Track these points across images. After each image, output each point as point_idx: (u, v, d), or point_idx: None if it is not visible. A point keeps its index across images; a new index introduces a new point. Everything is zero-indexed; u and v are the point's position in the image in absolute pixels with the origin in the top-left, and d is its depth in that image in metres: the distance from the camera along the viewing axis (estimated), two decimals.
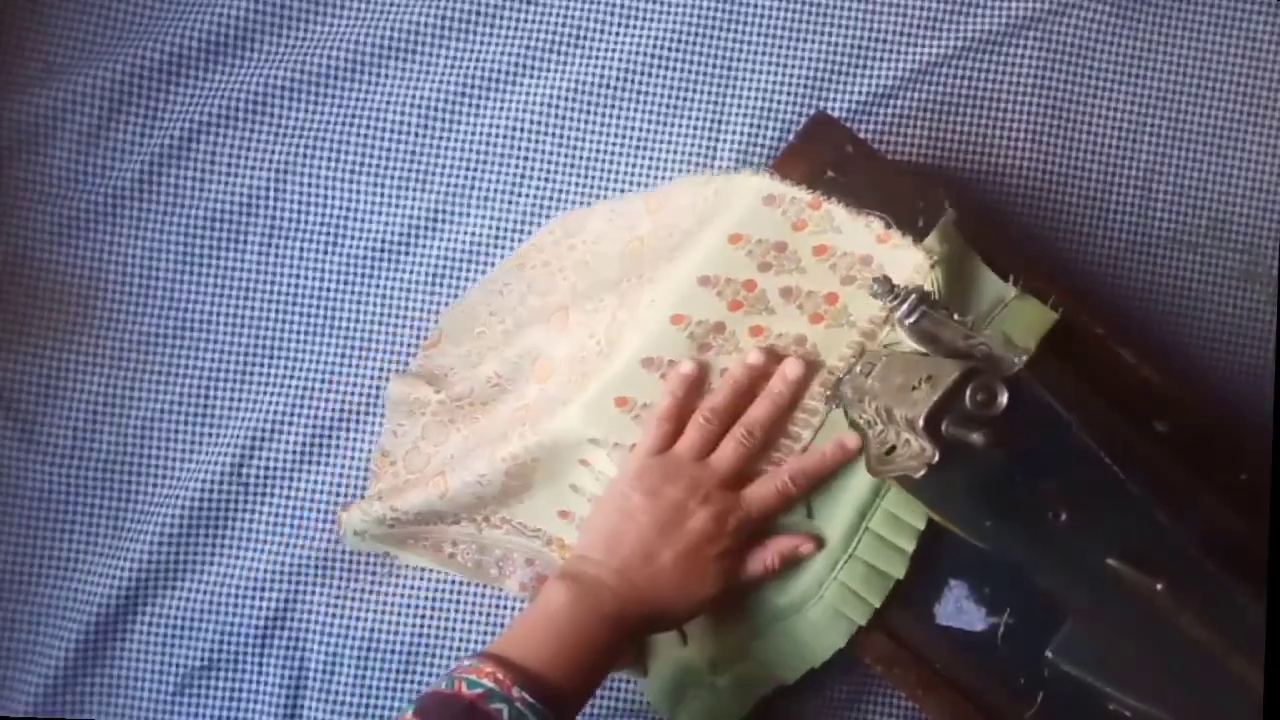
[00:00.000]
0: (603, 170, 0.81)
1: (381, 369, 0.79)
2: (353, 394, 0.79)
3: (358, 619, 0.78)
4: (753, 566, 0.66)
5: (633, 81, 0.81)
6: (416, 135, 0.80)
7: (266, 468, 0.79)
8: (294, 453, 0.79)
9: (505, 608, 0.78)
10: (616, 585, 0.62)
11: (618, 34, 0.81)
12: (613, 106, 0.81)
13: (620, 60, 0.81)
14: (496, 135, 0.81)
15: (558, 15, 0.81)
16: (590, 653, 0.60)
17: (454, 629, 0.78)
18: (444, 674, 0.59)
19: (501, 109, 0.81)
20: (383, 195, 0.80)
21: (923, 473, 0.53)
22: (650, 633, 0.65)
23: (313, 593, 0.78)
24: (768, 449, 0.68)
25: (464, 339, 0.79)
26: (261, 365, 0.79)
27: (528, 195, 0.80)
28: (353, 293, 0.80)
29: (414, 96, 0.80)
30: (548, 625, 0.60)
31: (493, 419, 0.74)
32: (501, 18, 0.81)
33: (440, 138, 0.81)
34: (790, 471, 0.66)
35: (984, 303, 0.68)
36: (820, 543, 0.66)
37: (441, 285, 0.80)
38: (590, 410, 0.68)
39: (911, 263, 0.67)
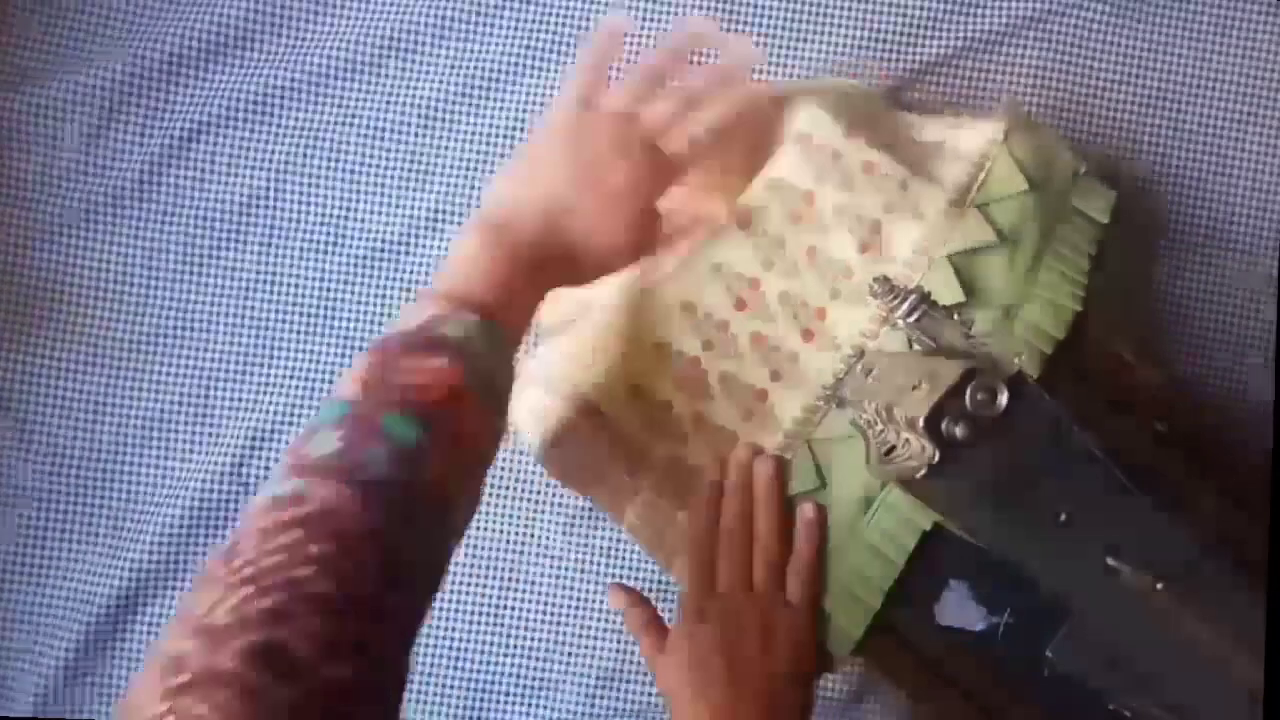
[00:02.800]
0: None
1: None
2: None
3: None
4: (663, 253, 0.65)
5: None
6: (416, 135, 0.80)
7: (266, 468, 0.78)
8: None
9: (506, 608, 0.78)
10: (531, 218, 0.59)
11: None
12: None
13: (620, 60, 0.80)
14: (496, 135, 0.80)
15: (558, 15, 0.81)
16: (508, 263, 0.57)
17: (454, 629, 0.78)
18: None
19: (501, 109, 0.81)
20: (383, 195, 0.80)
21: (923, 473, 0.53)
22: (566, 272, 0.61)
23: None
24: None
25: None
26: (261, 365, 0.79)
27: None
28: (353, 293, 0.80)
29: (414, 96, 0.80)
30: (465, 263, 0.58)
31: None
32: (501, 18, 0.81)
33: (440, 138, 0.81)
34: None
35: (1066, 169, 0.71)
36: None
37: None
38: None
39: (985, 136, 0.70)
